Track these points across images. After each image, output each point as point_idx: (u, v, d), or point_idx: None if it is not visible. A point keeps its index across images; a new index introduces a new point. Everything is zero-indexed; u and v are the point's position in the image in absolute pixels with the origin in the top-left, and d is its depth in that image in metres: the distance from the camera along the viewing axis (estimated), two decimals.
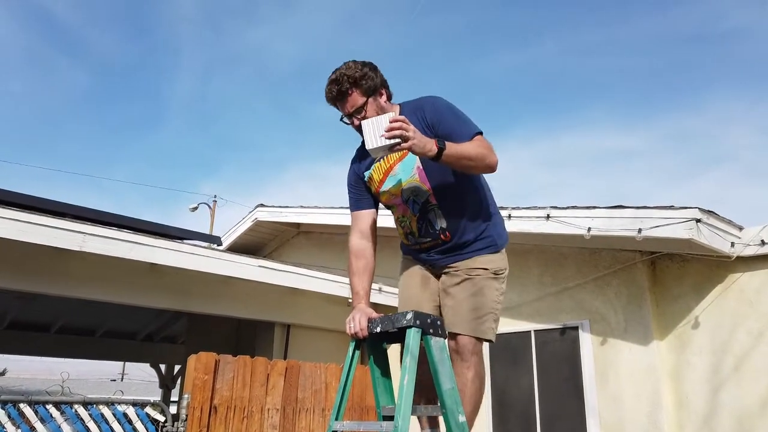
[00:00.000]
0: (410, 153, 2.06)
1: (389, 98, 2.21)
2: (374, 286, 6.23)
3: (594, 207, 4.80)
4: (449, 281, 2.20)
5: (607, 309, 5.25)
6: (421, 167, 2.12)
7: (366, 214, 2.27)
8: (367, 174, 2.25)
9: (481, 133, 2.06)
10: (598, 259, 5.42)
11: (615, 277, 5.28)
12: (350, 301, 7.01)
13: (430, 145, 1.89)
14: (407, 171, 2.14)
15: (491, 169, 2.05)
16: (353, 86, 2.10)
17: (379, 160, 2.18)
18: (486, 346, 5.74)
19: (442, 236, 2.18)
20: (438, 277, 2.27)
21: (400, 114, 2.06)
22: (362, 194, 2.28)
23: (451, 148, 1.92)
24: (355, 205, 2.30)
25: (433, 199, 2.14)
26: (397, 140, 1.86)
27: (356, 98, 2.11)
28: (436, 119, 2.08)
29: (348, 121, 2.16)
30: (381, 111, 2.11)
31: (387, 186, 2.19)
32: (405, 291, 2.34)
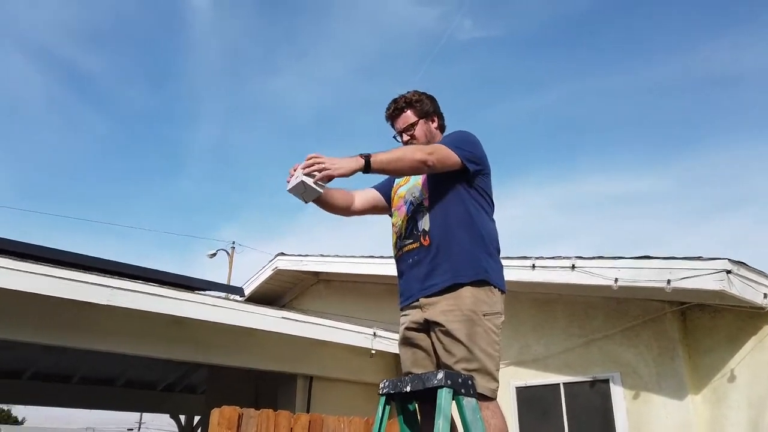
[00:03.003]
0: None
1: (442, 129, 2.46)
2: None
3: (620, 257, 4.75)
4: (437, 330, 2.08)
5: (638, 361, 5.11)
6: (428, 174, 2.26)
7: (372, 190, 2.50)
8: (398, 180, 2.47)
9: (454, 148, 2.17)
10: (626, 309, 5.31)
11: (645, 328, 5.16)
12: (373, 352, 6.88)
13: (354, 162, 2.01)
14: (417, 178, 2.32)
15: (420, 162, 2.07)
16: (408, 106, 2.39)
17: (309, 198, 2.13)
18: (513, 396, 5.64)
19: (422, 239, 2.18)
20: (427, 331, 2.15)
21: (439, 141, 2.33)
22: (383, 185, 2.51)
23: (379, 155, 2.04)
24: (374, 186, 2.53)
25: (427, 201, 2.22)
26: (315, 173, 1.99)
27: (409, 117, 2.39)
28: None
29: (399, 139, 2.42)
30: (430, 134, 2.38)
31: (402, 190, 2.39)
32: (401, 360, 2.30)
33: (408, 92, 2.42)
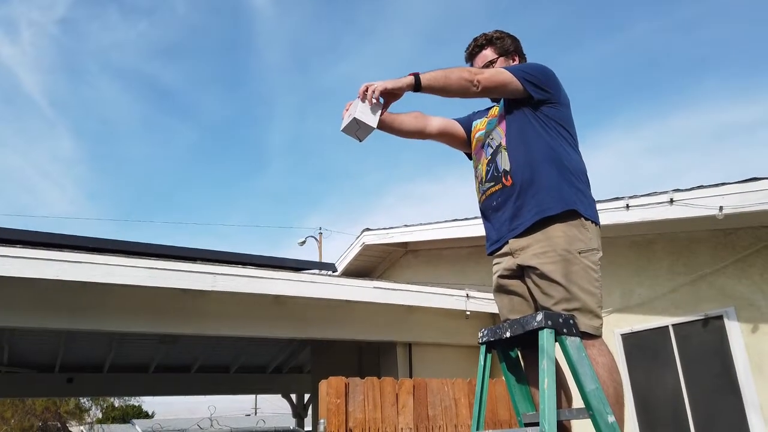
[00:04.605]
0: (500, 108, 2.23)
1: None
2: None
3: (723, 183, 4.41)
4: (531, 274, 2.03)
5: (754, 293, 4.77)
6: (503, 114, 2.21)
7: (453, 120, 2.44)
8: (475, 123, 2.42)
9: (514, 71, 2.12)
10: (735, 239, 4.95)
11: (758, 257, 4.79)
12: (468, 313, 6.84)
13: (405, 79, 2.01)
14: (494, 121, 2.28)
15: (466, 81, 2.03)
16: (488, 44, 2.36)
17: (363, 135, 2.13)
18: (619, 344, 5.44)
19: (504, 179, 2.12)
20: (522, 278, 2.11)
21: None
22: (463, 120, 2.45)
23: (428, 73, 2.02)
24: (455, 119, 2.47)
25: (504, 141, 2.16)
26: (369, 95, 1.99)
27: (488, 54, 2.35)
28: None
29: None
30: None
31: (480, 134, 2.34)
32: (498, 308, 2.28)
33: (490, 31, 2.38)
